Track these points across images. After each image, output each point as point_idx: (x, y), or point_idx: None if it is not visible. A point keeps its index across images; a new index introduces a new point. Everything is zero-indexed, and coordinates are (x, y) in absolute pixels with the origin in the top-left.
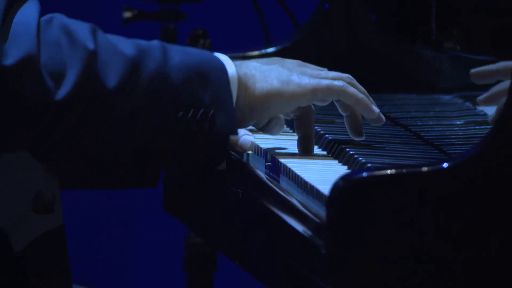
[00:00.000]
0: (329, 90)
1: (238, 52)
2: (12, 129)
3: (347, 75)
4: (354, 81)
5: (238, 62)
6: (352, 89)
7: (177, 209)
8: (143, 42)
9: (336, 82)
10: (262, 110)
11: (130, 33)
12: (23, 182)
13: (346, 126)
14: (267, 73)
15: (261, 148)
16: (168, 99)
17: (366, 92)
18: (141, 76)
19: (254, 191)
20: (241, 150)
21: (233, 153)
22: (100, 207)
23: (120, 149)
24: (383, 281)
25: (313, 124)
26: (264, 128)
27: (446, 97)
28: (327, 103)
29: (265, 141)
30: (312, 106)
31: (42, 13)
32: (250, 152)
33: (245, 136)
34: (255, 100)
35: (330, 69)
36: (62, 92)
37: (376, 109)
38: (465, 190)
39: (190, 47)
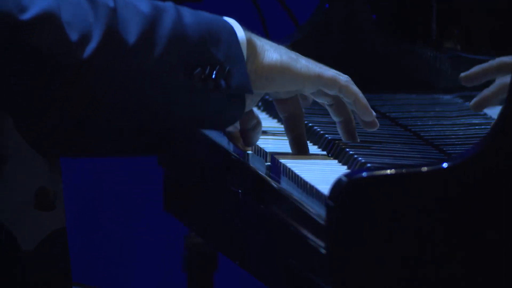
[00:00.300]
0: (334, 80)
1: None
2: (31, 87)
3: (347, 76)
4: (353, 83)
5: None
6: (355, 87)
7: (177, 209)
8: (156, 1)
9: (342, 76)
10: (268, 80)
11: None
12: (25, 177)
13: (339, 131)
14: (278, 48)
15: (261, 148)
16: (185, 55)
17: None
18: (159, 32)
19: (254, 191)
20: (243, 149)
21: (233, 153)
22: (100, 207)
23: (139, 107)
24: (383, 281)
25: (304, 124)
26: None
27: (446, 97)
28: (323, 101)
29: (265, 141)
30: (302, 108)
31: None
32: (250, 152)
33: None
34: (263, 68)
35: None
36: (88, 50)
37: (372, 112)
38: (465, 190)
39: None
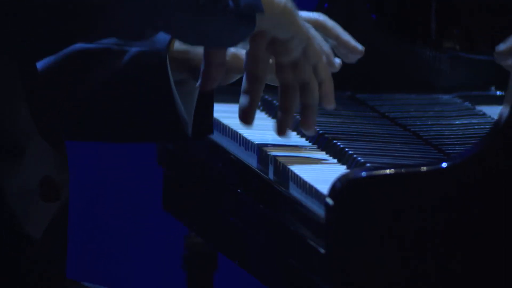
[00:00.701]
0: (316, 53)
1: None
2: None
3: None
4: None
5: None
6: (330, 22)
7: (177, 209)
8: None
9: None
10: (269, 14)
11: None
12: (31, 165)
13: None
14: None
15: (261, 148)
16: None
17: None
18: None
19: (253, 190)
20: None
21: (232, 153)
22: (100, 206)
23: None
24: (382, 280)
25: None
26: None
27: (446, 97)
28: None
29: (265, 139)
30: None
31: None
32: (249, 152)
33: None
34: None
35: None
36: None
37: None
38: (464, 190)
39: None
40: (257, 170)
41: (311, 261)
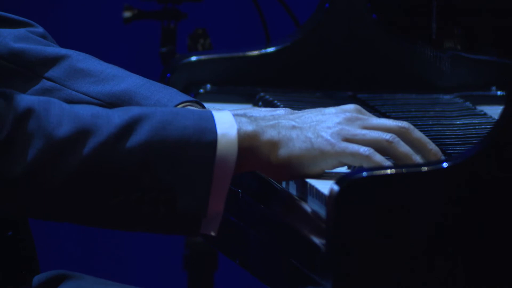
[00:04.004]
0: (353, 157)
1: (238, 51)
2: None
3: (401, 124)
4: (410, 129)
5: (272, 122)
6: (378, 158)
7: None
8: (102, 114)
9: (362, 150)
10: (287, 173)
11: (130, 32)
12: None
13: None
14: (295, 135)
15: None
16: (102, 182)
17: (423, 138)
18: (69, 159)
19: (254, 190)
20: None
21: None
22: None
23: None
24: (382, 280)
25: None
26: None
27: (446, 97)
28: None
29: None
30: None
31: (45, 14)
32: None
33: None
34: (277, 164)
35: (329, 68)
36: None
37: (428, 145)
38: (465, 190)
39: (188, 110)
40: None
41: (312, 261)
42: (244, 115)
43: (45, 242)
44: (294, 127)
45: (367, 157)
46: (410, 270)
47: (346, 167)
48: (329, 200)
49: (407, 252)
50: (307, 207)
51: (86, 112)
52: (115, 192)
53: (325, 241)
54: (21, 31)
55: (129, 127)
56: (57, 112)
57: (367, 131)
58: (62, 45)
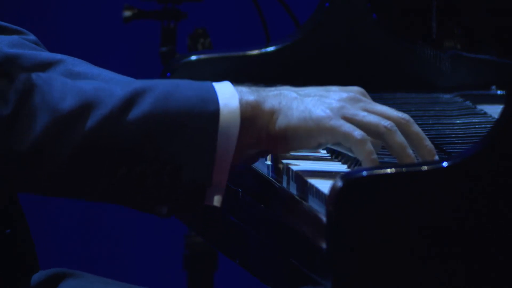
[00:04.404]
0: (345, 137)
1: (238, 51)
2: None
3: (402, 115)
4: (410, 122)
5: (274, 93)
6: (368, 146)
7: None
8: (105, 87)
9: (356, 133)
10: (283, 144)
11: (130, 32)
12: None
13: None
14: (295, 105)
15: None
16: (107, 154)
17: (420, 133)
18: (73, 134)
19: (254, 189)
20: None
21: None
22: (101, 206)
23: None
24: (383, 280)
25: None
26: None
27: (446, 96)
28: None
29: None
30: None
31: (45, 14)
32: None
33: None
34: (275, 134)
35: (329, 68)
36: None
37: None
38: (465, 189)
39: (189, 81)
40: (257, 168)
41: (312, 260)
42: (245, 86)
43: (45, 240)
44: (295, 98)
45: (358, 141)
46: (410, 269)
47: (346, 167)
48: (329, 200)
49: (407, 251)
50: (307, 207)
51: (89, 86)
52: (120, 164)
53: (325, 241)
54: (15, 37)
55: (132, 99)
56: (60, 86)
57: (366, 114)
58: (62, 44)
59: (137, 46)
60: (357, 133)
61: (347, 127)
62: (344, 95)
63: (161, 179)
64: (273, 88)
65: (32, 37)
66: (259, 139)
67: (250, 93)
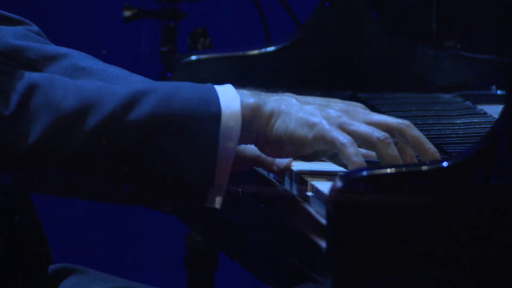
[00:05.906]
0: (332, 142)
1: (239, 51)
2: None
3: (401, 121)
4: (410, 127)
5: (275, 97)
6: (350, 150)
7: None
8: (107, 87)
9: (341, 137)
10: (279, 148)
11: (130, 31)
12: None
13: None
14: (294, 111)
15: None
16: (109, 154)
17: (421, 137)
18: (76, 133)
19: (254, 189)
20: (278, 170)
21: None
22: (100, 206)
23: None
24: (382, 280)
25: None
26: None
27: (446, 96)
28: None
29: None
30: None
31: (45, 12)
32: None
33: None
34: (271, 138)
35: (329, 68)
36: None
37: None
38: (465, 189)
39: (191, 83)
40: (257, 169)
41: (312, 260)
42: (246, 89)
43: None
44: (295, 104)
45: (342, 144)
46: (410, 269)
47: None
48: (329, 199)
49: (407, 251)
50: (307, 206)
51: (90, 85)
52: (121, 164)
53: (325, 240)
54: (20, 28)
55: (134, 99)
56: (61, 86)
57: (362, 124)
58: (62, 43)
59: (137, 45)
60: (343, 137)
61: (336, 133)
62: (344, 106)
63: (163, 179)
64: (274, 94)
65: (35, 28)
66: (257, 142)
67: (251, 96)
